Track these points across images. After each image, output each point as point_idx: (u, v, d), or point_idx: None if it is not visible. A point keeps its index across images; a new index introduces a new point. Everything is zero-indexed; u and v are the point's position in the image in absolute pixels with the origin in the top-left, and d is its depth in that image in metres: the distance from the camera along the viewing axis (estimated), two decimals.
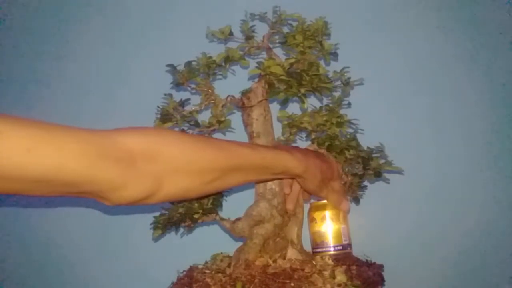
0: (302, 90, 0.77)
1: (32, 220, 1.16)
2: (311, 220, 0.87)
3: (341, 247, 0.85)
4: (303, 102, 0.79)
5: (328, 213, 0.86)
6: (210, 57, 0.81)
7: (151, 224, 0.83)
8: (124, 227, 1.10)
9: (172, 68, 0.77)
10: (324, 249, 0.85)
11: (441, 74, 1.05)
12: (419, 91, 1.05)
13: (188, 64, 0.78)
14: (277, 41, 0.88)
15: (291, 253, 0.82)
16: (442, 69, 1.05)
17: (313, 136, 0.88)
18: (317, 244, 0.86)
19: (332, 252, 0.84)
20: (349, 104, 0.90)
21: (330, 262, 0.80)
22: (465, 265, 0.99)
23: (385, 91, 1.05)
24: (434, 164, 1.02)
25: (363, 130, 0.88)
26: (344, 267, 0.77)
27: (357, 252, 0.88)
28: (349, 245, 0.87)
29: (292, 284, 0.71)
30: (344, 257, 0.84)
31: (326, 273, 0.75)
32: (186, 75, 0.77)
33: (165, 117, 0.79)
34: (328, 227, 0.85)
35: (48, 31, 1.21)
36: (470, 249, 0.99)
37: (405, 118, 1.05)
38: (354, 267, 0.78)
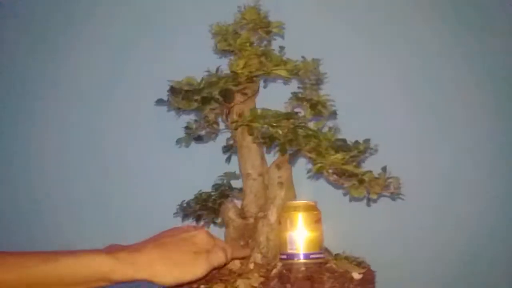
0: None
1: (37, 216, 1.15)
2: (280, 222, 0.78)
3: (311, 256, 0.74)
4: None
5: (300, 216, 0.75)
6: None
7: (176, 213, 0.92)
8: (127, 223, 1.09)
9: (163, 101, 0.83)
10: (289, 257, 0.75)
11: (445, 75, 1.03)
12: (424, 92, 1.03)
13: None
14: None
15: (254, 257, 0.78)
16: (446, 69, 1.03)
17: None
18: (284, 250, 0.76)
19: (300, 261, 0.74)
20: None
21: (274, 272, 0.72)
22: (467, 270, 0.99)
23: (387, 90, 1.03)
24: (436, 168, 1.01)
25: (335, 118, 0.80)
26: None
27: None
28: (320, 253, 0.75)
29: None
30: (315, 266, 0.73)
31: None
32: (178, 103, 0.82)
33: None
34: (298, 232, 0.75)
35: (46, 30, 1.20)
36: (473, 254, 0.99)
37: (407, 121, 1.03)
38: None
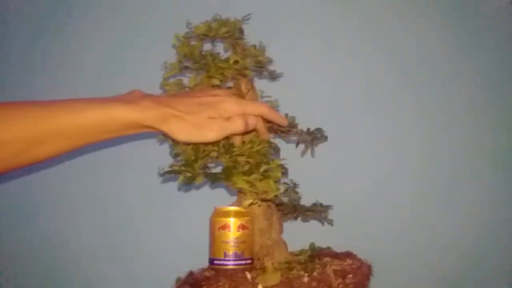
0: None
1: (40, 219, 1.11)
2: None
3: (214, 261, 0.73)
4: None
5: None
6: None
7: None
8: (134, 225, 1.06)
9: None
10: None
11: (446, 74, 1.01)
12: (424, 92, 1.01)
13: None
14: None
15: None
16: (447, 68, 1.01)
17: None
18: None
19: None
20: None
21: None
22: (468, 271, 0.97)
23: (387, 87, 1.01)
24: (437, 169, 0.99)
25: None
26: None
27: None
28: (245, 258, 0.73)
29: None
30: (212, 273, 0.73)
31: None
32: None
33: None
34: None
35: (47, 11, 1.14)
36: (475, 255, 0.97)
37: (408, 121, 1.01)
38: None
